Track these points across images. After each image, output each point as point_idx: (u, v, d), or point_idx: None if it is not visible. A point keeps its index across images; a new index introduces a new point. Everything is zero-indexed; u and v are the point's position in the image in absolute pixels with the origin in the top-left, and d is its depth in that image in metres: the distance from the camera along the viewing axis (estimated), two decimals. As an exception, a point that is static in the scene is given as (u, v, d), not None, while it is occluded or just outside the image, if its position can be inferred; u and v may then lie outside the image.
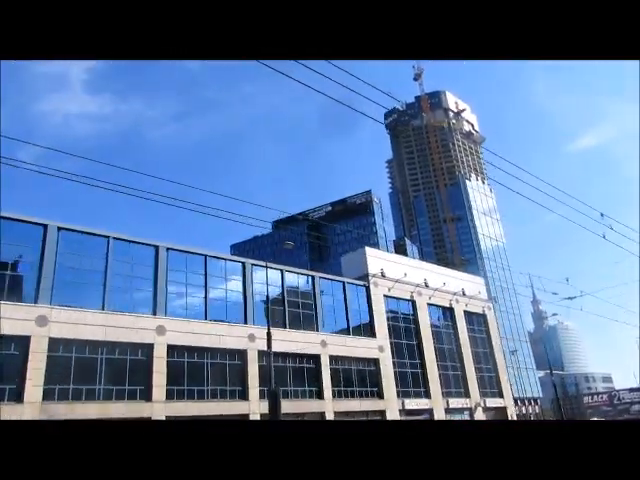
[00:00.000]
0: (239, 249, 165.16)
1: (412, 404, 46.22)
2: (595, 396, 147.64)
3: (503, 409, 53.29)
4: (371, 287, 48.02)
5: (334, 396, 41.73)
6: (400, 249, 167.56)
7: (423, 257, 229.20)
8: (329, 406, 40.38)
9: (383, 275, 48.21)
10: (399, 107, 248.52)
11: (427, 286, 50.68)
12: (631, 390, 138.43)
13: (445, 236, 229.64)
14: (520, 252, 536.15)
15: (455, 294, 52.12)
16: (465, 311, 51.99)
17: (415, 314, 50.70)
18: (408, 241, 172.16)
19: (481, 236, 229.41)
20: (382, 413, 43.73)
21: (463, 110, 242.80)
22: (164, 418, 32.08)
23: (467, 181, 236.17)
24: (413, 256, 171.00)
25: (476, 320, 52.86)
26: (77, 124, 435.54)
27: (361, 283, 48.76)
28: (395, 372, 46.89)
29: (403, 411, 45.05)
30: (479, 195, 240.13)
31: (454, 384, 50.96)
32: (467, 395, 51.15)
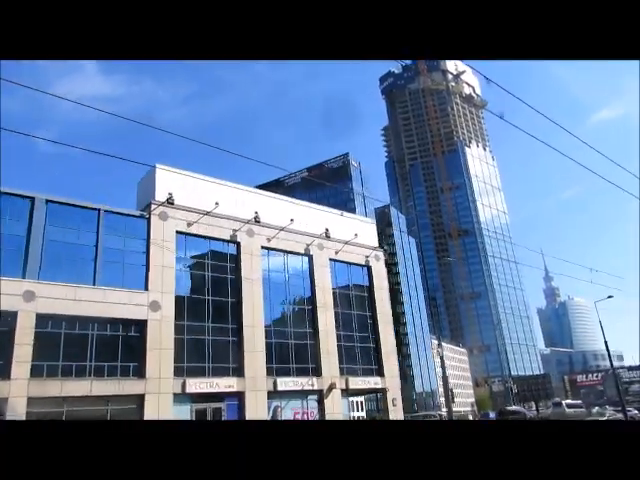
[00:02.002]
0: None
1: (200, 385, 28.02)
2: (590, 375, 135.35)
3: (382, 390, 34.58)
4: (153, 220, 29.28)
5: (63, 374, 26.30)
6: (384, 218, 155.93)
7: (419, 227, 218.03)
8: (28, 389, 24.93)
9: (170, 202, 29.23)
10: (395, 70, 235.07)
11: (258, 222, 32.05)
12: (630, 368, 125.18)
13: (442, 206, 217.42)
14: (533, 228, 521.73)
15: (319, 236, 33.82)
16: (333, 260, 34.53)
17: (238, 260, 31.34)
18: (393, 209, 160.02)
19: (480, 206, 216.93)
20: (140, 398, 26.51)
21: (463, 72, 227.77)
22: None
23: (467, 148, 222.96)
24: (399, 227, 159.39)
25: (355, 273, 35.66)
26: (91, 108, 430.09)
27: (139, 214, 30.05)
28: (182, 339, 28.76)
29: (185, 395, 27.58)
30: (480, 163, 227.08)
31: (299, 358, 32.41)
32: (318, 373, 31.90)
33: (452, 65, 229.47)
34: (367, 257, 35.42)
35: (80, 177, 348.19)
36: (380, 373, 33.41)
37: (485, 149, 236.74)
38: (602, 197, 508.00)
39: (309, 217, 35.04)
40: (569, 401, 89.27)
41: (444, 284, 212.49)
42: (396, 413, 31.42)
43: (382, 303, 34.12)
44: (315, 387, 30.43)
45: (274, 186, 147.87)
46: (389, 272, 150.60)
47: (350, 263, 35.60)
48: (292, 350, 31.65)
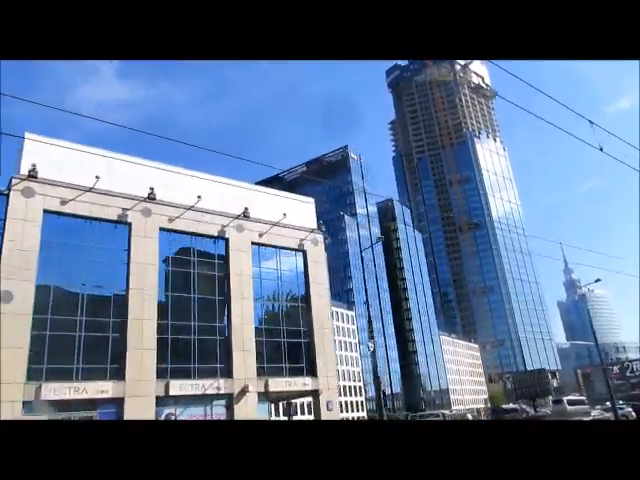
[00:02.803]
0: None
1: (62, 391, 22.44)
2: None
3: (313, 393, 28.92)
4: (12, 196, 23.40)
5: None
6: (387, 212, 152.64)
7: (428, 222, 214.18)
8: None
9: (32, 176, 23.57)
10: (401, 63, 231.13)
11: (152, 199, 26.19)
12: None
13: (452, 199, 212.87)
14: (553, 220, 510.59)
15: (240, 216, 28.66)
16: (257, 244, 29.23)
17: (129, 244, 25.77)
18: (397, 203, 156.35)
19: (491, 198, 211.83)
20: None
21: (471, 62, 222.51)
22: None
23: (476, 139, 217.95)
24: (404, 221, 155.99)
25: (286, 259, 30.46)
26: (109, 112, 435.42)
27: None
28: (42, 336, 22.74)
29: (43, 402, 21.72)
30: (490, 155, 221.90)
31: (205, 357, 26.70)
32: (229, 374, 26.68)
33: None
34: (302, 240, 31.07)
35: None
36: (312, 372, 28.63)
37: (496, 140, 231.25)
38: (623, 187, 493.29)
39: (228, 195, 29.55)
40: (571, 397, 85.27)
41: (455, 279, 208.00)
42: (331, 418, 28.01)
43: (319, 292, 30.15)
44: (223, 390, 25.51)
45: (274, 182, 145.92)
46: (395, 267, 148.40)
47: (279, 247, 30.66)
48: (195, 347, 26.23)
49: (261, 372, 27.21)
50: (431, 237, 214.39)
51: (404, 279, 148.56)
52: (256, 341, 27.26)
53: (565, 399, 75.58)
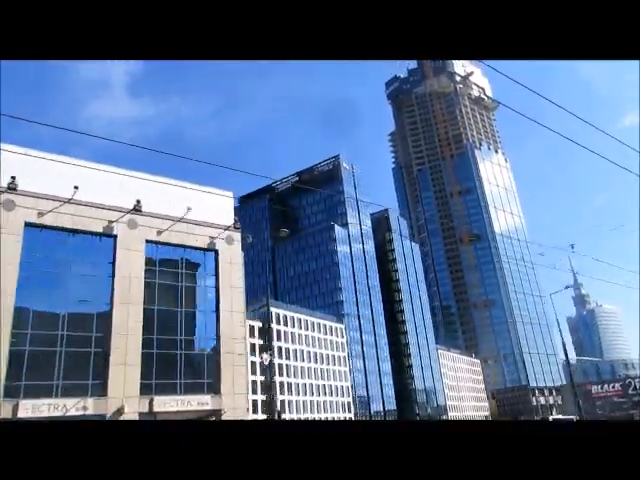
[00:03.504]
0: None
1: None
2: (606, 385, 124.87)
3: (214, 413, 24.60)
4: None
5: None
6: (383, 223, 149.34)
7: (428, 234, 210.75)
8: None
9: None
10: (400, 74, 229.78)
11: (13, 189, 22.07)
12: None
13: (453, 211, 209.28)
14: (560, 234, 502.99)
15: (134, 211, 24.97)
16: (154, 242, 25.10)
17: None
18: (392, 213, 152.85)
19: (493, 210, 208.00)
20: None
21: (471, 73, 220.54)
22: None
23: (476, 150, 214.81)
24: (400, 232, 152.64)
25: (195, 259, 27.02)
26: (121, 129, 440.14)
27: None
28: None
29: None
30: (492, 166, 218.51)
31: (72, 372, 22.17)
32: (103, 392, 22.58)
33: (460, 67, 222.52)
34: (213, 239, 26.83)
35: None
36: (215, 389, 24.48)
37: (497, 152, 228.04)
38: (636, 200, 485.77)
39: (120, 185, 25.59)
40: (560, 417, 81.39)
41: (456, 292, 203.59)
42: None
43: (233, 297, 26.43)
44: (91, 411, 21.33)
45: (266, 192, 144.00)
46: (390, 280, 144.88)
47: (184, 246, 26.42)
48: (59, 360, 21.85)
49: (147, 390, 23.40)
50: (432, 249, 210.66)
51: (399, 291, 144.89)
52: (145, 354, 23.67)
53: (552, 418, 71.99)
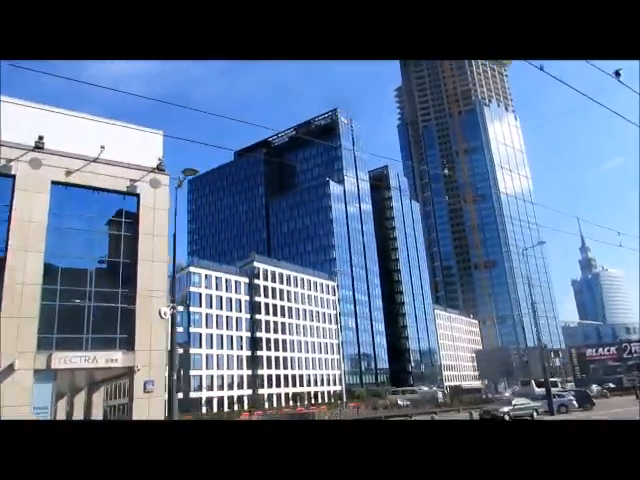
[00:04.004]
0: (200, 182, 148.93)
1: None
2: (601, 348, 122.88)
3: (127, 371, 22.64)
4: None
5: None
6: (382, 180, 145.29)
7: (432, 193, 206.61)
8: None
9: None
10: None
11: None
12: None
13: (458, 170, 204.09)
14: (571, 198, 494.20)
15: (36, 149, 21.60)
16: (62, 183, 21.91)
17: None
18: (392, 170, 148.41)
19: (499, 170, 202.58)
20: None
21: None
22: None
23: (485, 107, 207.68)
24: (399, 189, 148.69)
25: (114, 203, 23.59)
26: (128, 87, 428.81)
27: None
28: None
29: None
30: (501, 124, 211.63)
31: None
32: None
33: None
34: (134, 182, 23.52)
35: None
36: (129, 345, 22.01)
37: (508, 109, 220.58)
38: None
39: (36, 122, 22.13)
40: (542, 379, 79.66)
41: (457, 252, 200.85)
42: (151, 403, 21.77)
43: (155, 245, 23.67)
44: None
45: (262, 146, 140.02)
46: (387, 238, 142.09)
47: (99, 189, 23.25)
48: None
49: (48, 345, 20.78)
50: (434, 208, 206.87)
51: (396, 250, 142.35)
52: (46, 306, 21.09)
53: (533, 381, 70.18)
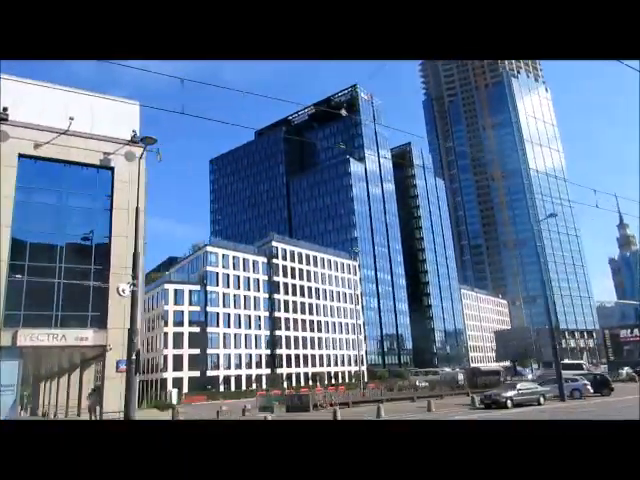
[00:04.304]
0: (221, 162, 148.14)
1: None
2: (637, 329, 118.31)
3: (99, 350, 22.08)
4: None
5: None
6: (405, 157, 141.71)
7: (458, 170, 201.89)
8: None
9: None
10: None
11: None
12: None
13: (485, 145, 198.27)
14: (609, 173, 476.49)
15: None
16: (32, 157, 20.71)
17: None
18: (416, 146, 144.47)
19: (529, 144, 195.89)
20: None
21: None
22: None
23: (513, 79, 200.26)
24: (423, 166, 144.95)
25: (90, 178, 22.47)
26: (156, 68, 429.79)
27: None
28: None
29: None
30: (530, 96, 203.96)
31: None
32: None
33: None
34: (107, 155, 22.21)
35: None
36: (101, 324, 21.02)
37: (538, 80, 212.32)
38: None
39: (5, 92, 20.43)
40: (566, 361, 76.66)
41: (486, 230, 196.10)
42: (124, 383, 20.50)
43: (130, 220, 22.15)
44: None
45: (282, 125, 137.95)
46: (411, 217, 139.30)
47: (70, 162, 21.95)
48: None
49: (14, 323, 19.76)
50: (461, 186, 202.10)
51: (420, 228, 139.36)
52: (13, 282, 20.04)
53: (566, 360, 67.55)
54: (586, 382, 34.06)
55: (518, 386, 29.23)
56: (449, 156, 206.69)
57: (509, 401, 27.25)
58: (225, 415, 30.43)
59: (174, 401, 64.90)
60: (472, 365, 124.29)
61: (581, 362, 70.03)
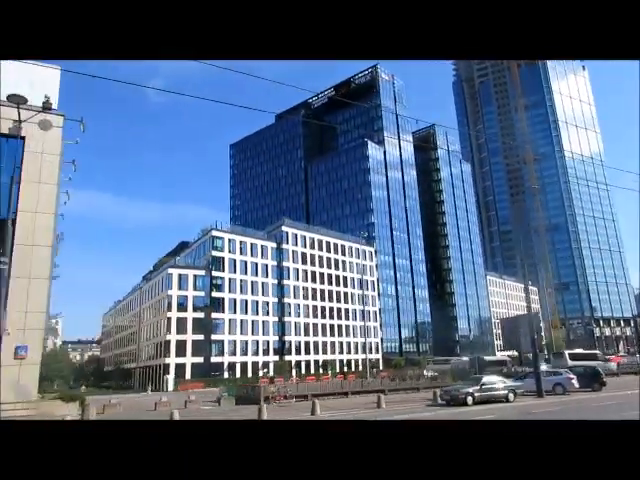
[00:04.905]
0: (241, 146, 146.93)
1: None
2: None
3: None
4: None
5: None
6: (428, 141, 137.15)
7: (489, 153, 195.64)
8: None
9: None
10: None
11: None
12: None
13: (516, 127, 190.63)
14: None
15: None
16: None
17: None
18: (439, 129, 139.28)
19: (563, 125, 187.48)
20: None
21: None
22: None
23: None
24: (447, 150, 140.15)
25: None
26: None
27: None
28: None
29: None
30: (565, 74, 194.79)
31: None
32: None
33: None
34: (16, 122, 18.96)
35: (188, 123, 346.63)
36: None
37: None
38: None
39: None
40: (579, 351, 72.11)
41: (516, 215, 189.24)
42: (22, 370, 19.01)
43: (40, 195, 20.43)
44: None
45: (302, 107, 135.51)
46: (433, 202, 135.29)
47: None
48: None
49: None
50: (491, 170, 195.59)
51: (443, 213, 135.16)
52: None
53: (567, 352, 63.34)
54: (571, 376, 30.65)
55: (483, 380, 26.29)
56: (479, 139, 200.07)
57: (469, 398, 24.49)
58: (164, 407, 28.94)
59: (170, 388, 64.38)
60: (500, 353, 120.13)
61: (595, 352, 65.80)
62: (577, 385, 29.98)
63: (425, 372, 64.56)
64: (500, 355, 67.39)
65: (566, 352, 61.49)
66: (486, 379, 26.64)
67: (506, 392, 25.87)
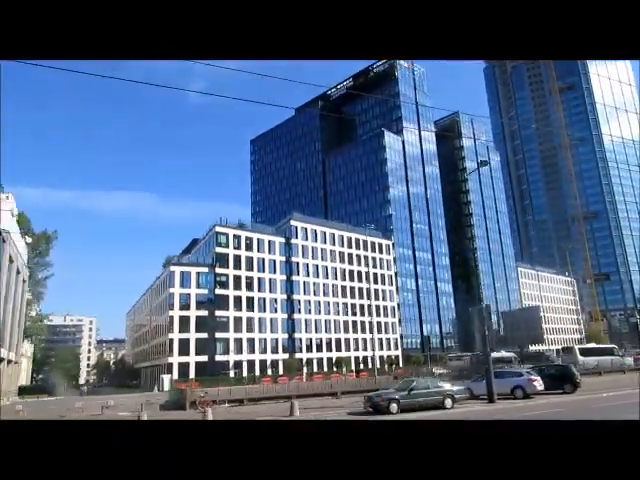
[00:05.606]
0: (261, 141, 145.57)
1: None
2: None
3: None
4: None
5: None
6: (453, 129, 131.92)
7: (522, 140, 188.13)
8: None
9: None
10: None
11: None
12: None
13: (551, 112, 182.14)
14: None
15: None
16: None
17: None
18: (464, 117, 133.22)
19: (601, 107, 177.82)
20: None
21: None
22: None
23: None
24: (473, 138, 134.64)
25: None
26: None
27: None
28: None
29: None
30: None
31: None
32: None
33: None
34: None
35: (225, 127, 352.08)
36: None
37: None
38: None
39: None
40: (592, 345, 66.89)
41: (553, 204, 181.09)
42: None
43: None
44: None
45: (320, 100, 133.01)
46: (458, 192, 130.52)
47: None
48: None
49: None
50: (524, 157, 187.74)
51: (469, 203, 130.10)
52: None
53: (578, 347, 58.74)
54: (533, 377, 26.90)
55: (414, 384, 23.19)
56: (512, 126, 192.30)
57: (393, 405, 21.55)
58: (75, 413, 27.42)
59: (166, 387, 63.58)
60: (532, 348, 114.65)
61: (612, 346, 60.84)
62: (540, 387, 26.28)
63: (434, 370, 61.48)
64: (504, 351, 63.34)
65: (576, 347, 57.14)
66: (418, 382, 23.54)
67: (441, 397, 22.76)
